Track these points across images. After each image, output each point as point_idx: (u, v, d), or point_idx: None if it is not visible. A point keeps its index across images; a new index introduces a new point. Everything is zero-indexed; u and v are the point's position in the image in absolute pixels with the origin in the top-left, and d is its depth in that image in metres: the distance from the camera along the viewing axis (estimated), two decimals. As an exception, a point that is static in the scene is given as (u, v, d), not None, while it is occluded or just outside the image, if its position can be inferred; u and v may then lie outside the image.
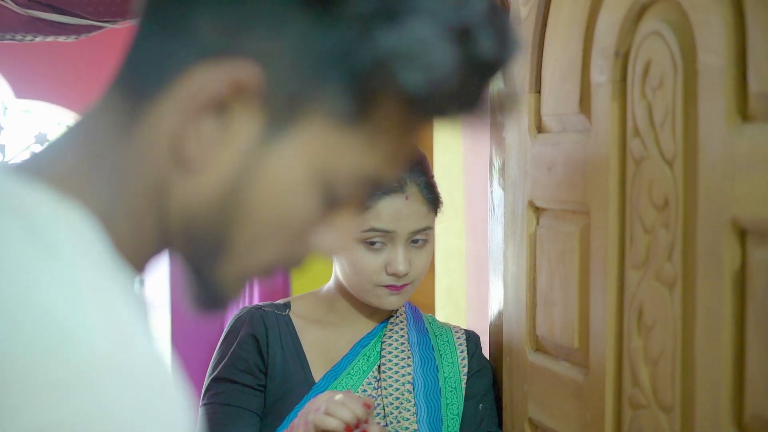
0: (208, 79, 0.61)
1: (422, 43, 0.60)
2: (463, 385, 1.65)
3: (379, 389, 1.62)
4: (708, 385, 1.10)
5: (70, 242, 0.59)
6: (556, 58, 1.47)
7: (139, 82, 0.65)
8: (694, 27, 1.12)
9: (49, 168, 0.64)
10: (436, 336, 1.70)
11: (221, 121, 0.63)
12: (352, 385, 1.62)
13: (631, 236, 1.26)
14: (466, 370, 1.67)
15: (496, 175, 1.72)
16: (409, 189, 1.60)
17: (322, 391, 1.60)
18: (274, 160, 0.63)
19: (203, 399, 1.62)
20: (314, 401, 1.52)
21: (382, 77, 0.61)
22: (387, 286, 1.59)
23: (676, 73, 1.15)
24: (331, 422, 1.40)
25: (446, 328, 1.73)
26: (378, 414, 1.60)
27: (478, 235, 2.05)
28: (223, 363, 1.61)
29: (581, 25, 1.38)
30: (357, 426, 1.41)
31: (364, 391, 1.62)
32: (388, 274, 1.58)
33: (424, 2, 0.61)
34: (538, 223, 1.56)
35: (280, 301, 1.71)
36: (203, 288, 0.69)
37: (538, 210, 1.56)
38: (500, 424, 1.69)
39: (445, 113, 0.65)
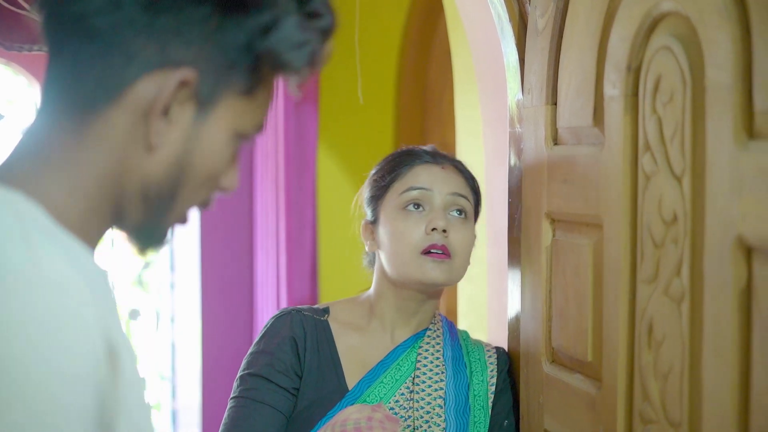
0: (159, 86, 0.85)
1: (297, 30, 0.88)
2: (490, 403, 1.66)
3: (411, 401, 1.62)
4: (715, 400, 1.09)
5: (9, 219, 0.79)
6: (571, 70, 1.47)
7: (83, 99, 0.85)
8: (702, 43, 1.12)
9: (5, 172, 0.85)
10: (468, 353, 1.70)
11: (170, 111, 0.86)
12: (385, 395, 1.62)
13: (642, 251, 1.26)
14: (493, 388, 1.67)
15: (514, 186, 1.72)
16: (443, 162, 1.69)
17: (355, 399, 1.61)
18: (205, 131, 0.88)
19: (235, 391, 1.62)
20: (342, 413, 1.53)
21: (271, 59, 0.88)
22: (428, 253, 1.60)
23: (685, 89, 1.15)
24: None
25: (478, 345, 1.73)
26: (408, 426, 1.60)
27: (500, 243, 2.06)
28: (261, 360, 1.62)
29: (595, 38, 1.39)
30: None
31: (397, 401, 1.62)
32: (427, 233, 1.60)
33: (290, 4, 0.88)
34: (554, 235, 1.56)
35: (320, 306, 1.72)
36: (152, 236, 0.92)
37: (554, 222, 1.56)
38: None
39: (305, 74, 0.91)
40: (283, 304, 3.52)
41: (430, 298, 1.68)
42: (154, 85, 0.85)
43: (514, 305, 1.73)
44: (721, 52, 1.08)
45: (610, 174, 1.34)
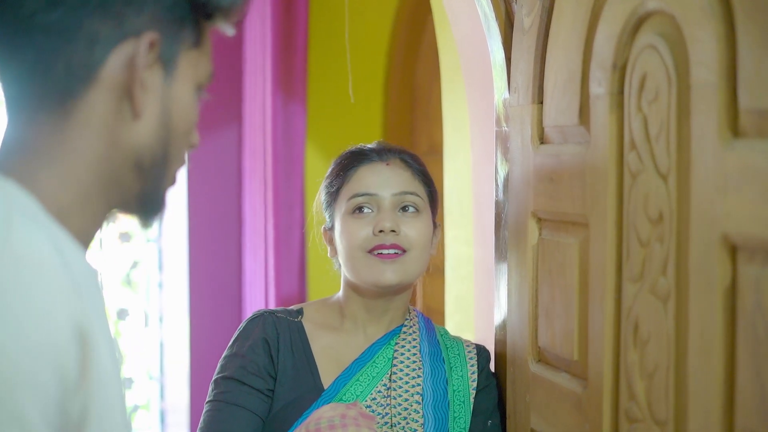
0: (128, 57, 0.87)
1: None
2: (471, 399, 1.65)
3: (388, 398, 1.62)
4: (700, 399, 1.09)
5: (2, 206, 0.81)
6: (557, 69, 1.47)
7: (56, 91, 0.87)
8: (687, 41, 1.11)
9: (2, 164, 0.87)
10: (447, 348, 1.70)
11: (144, 78, 0.89)
12: (361, 392, 1.62)
13: (627, 249, 1.26)
14: (475, 384, 1.67)
15: (500, 185, 1.72)
16: (390, 159, 1.67)
17: (331, 398, 1.61)
18: (175, 89, 0.92)
19: (209, 395, 1.63)
20: (316, 412, 1.53)
21: (207, 6, 0.93)
22: (377, 254, 1.60)
23: (670, 87, 1.15)
24: None
25: (458, 341, 1.73)
26: (386, 423, 1.60)
27: (487, 243, 2.06)
28: (234, 363, 1.62)
29: (581, 37, 1.38)
30: None
31: (374, 399, 1.62)
32: (375, 234, 1.60)
33: None
34: (540, 234, 1.56)
35: (294, 307, 1.72)
36: (153, 205, 0.95)
37: (540, 221, 1.56)
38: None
39: (235, 15, 0.96)
40: (272, 304, 3.52)
41: (397, 295, 1.68)
42: (123, 58, 0.88)
43: (500, 305, 1.73)
44: (706, 50, 1.08)
45: (596, 172, 1.33)
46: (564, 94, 1.44)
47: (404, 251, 1.61)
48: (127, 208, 0.94)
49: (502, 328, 1.71)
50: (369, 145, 1.72)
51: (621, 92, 1.28)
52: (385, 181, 1.65)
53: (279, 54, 3.52)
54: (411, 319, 1.71)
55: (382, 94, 3.92)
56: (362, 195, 1.63)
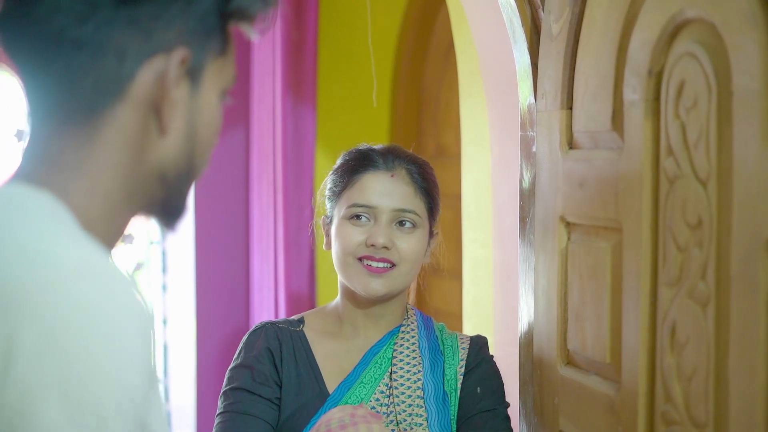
0: (158, 73, 0.87)
1: None
2: (459, 385, 1.68)
3: (391, 397, 1.65)
4: (742, 402, 1.11)
5: (48, 217, 0.83)
6: (588, 75, 1.49)
7: (85, 105, 0.87)
8: (728, 49, 1.13)
9: (31, 177, 0.87)
10: (444, 342, 1.73)
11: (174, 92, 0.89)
12: (365, 394, 1.65)
13: (664, 254, 1.27)
14: (463, 370, 1.69)
15: (526, 189, 1.73)
16: (396, 169, 1.68)
17: (336, 402, 1.64)
18: (201, 100, 0.92)
19: (220, 408, 1.65)
20: (325, 416, 1.55)
21: (237, 14, 0.92)
22: (366, 264, 1.63)
23: (710, 95, 1.16)
24: None
25: (453, 335, 1.76)
26: (391, 421, 1.62)
27: (507, 246, 2.07)
28: (241, 374, 1.65)
29: (614, 44, 1.40)
30: None
31: (377, 399, 1.65)
32: (367, 245, 1.63)
33: None
34: (569, 238, 1.57)
35: (294, 317, 1.76)
36: (176, 211, 0.95)
37: (569, 225, 1.57)
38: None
39: (264, 19, 0.96)
40: (281, 305, 3.53)
41: (390, 300, 1.70)
42: (152, 74, 0.87)
43: (525, 308, 1.74)
44: (748, 58, 1.09)
45: (629, 178, 1.35)
46: (595, 100, 1.46)
47: (394, 265, 1.64)
48: (150, 213, 0.95)
49: (529, 331, 1.72)
50: (378, 148, 1.73)
51: (657, 99, 1.29)
52: (386, 195, 1.66)
53: (289, 56, 3.53)
54: (409, 318, 1.74)
55: (390, 96, 3.93)
56: (361, 206, 1.65)
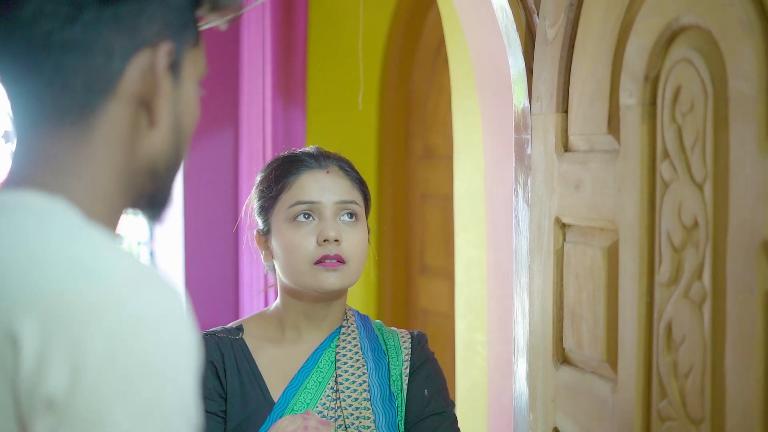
0: (145, 68, 0.89)
1: None
2: (405, 386, 1.69)
3: (338, 401, 1.66)
4: (739, 397, 1.14)
5: (79, 226, 0.84)
6: (583, 79, 1.52)
7: (76, 104, 0.88)
8: (725, 55, 1.16)
9: (30, 179, 0.87)
10: (385, 341, 1.74)
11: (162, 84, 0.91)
12: (311, 400, 1.65)
13: (660, 254, 1.30)
14: (408, 370, 1.71)
15: (520, 191, 1.77)
16: (330, 166, 1.70)
17: (282, 410, 1.64)
18: (182, 91, 0.94)
19: None
20: (273, 427, 1.55)
21: (207, 5, 0.94)
22: (321, 263, 1.63)
23: (706, 99, 1.20)
24: None
25: (393, 332, 1.77)
26: (339, 426, 1.63)
27: (500, 246, 2.10)
28: None
29: (611, 49, 1.43)
30: None
31: (324, 404, 1.65)
32: (319, 244, 1.63)
33: None
34: (564, 239, 1.60)
35: (232, 325, 1.74)
36: (163, 202, 0.97)
37: (564, 226, 1.60)
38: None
39: (231, 9, 0.98)
40: (272, 306, 3.54)
41: (336, 299, 1.71)
42: (139, 69, 0.89)
43: (521, 307, 1.77)
44: (745, 64, 1.12)
45: (625, 180, 1.38)
46: (591, 104, 1.49)
47: (344, 263, 1.65)
48: (138, 207, 0.96)
49: (524, 330, 1.75)
50: (305, 151, 1.75)
51: (653, 103, 1.32)
52: (326, 190, 1.67)
53: (279, 58, 3.55)
54: (348, 319, 1.75)
55: (378, 98, 3.96)
56: (305, 203, 1.65)
